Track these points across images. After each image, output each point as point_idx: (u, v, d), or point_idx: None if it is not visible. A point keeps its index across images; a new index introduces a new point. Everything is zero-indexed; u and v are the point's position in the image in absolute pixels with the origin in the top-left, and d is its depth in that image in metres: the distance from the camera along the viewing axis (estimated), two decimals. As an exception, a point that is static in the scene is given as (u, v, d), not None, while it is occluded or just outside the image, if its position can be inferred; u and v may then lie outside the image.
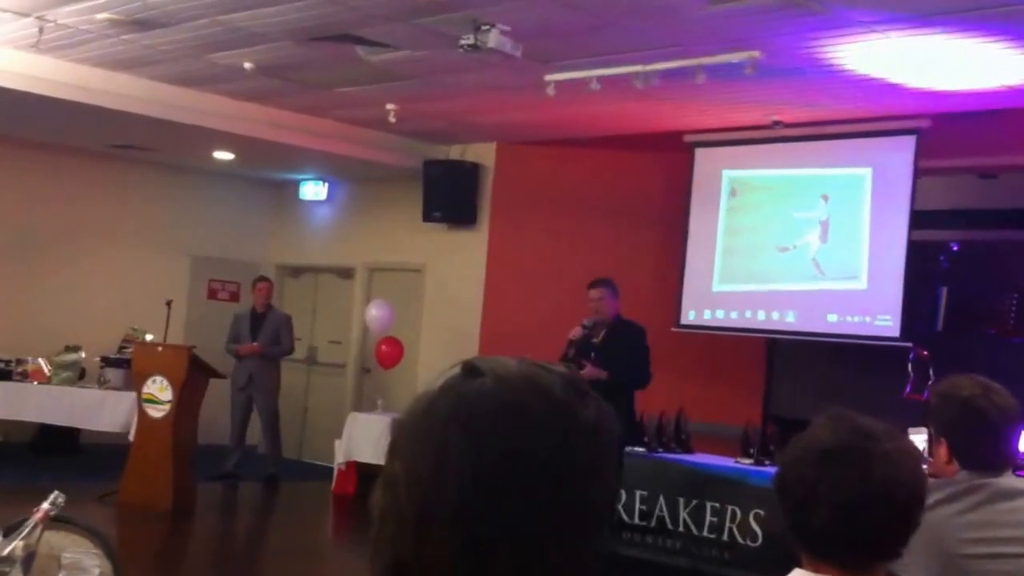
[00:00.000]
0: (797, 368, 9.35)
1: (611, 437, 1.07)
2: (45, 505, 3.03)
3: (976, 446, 2.82)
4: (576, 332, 7.68)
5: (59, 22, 7.71)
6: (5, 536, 3.07)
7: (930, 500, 2.05)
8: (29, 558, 2.97)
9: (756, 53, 7.20)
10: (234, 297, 12.87)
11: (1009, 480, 2.84)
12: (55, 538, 3.25)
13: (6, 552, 2.92)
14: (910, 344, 7.96)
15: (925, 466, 2.12)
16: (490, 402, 1.03)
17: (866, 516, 1.85)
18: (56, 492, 3.10)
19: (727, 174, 9.40)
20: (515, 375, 1.06)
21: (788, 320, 9.00)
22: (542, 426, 1.02)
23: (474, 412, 1.02)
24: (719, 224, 9.40)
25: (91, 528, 3.57)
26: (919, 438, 3.22)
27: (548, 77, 8.05)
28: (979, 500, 2.77)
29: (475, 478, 1.00)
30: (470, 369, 1.07)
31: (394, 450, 1.07)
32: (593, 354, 7.57)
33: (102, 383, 10.54)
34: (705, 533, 7.86)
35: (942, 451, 2.87)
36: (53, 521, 3.07)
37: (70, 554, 3.12)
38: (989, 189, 9.00)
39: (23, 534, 2.97)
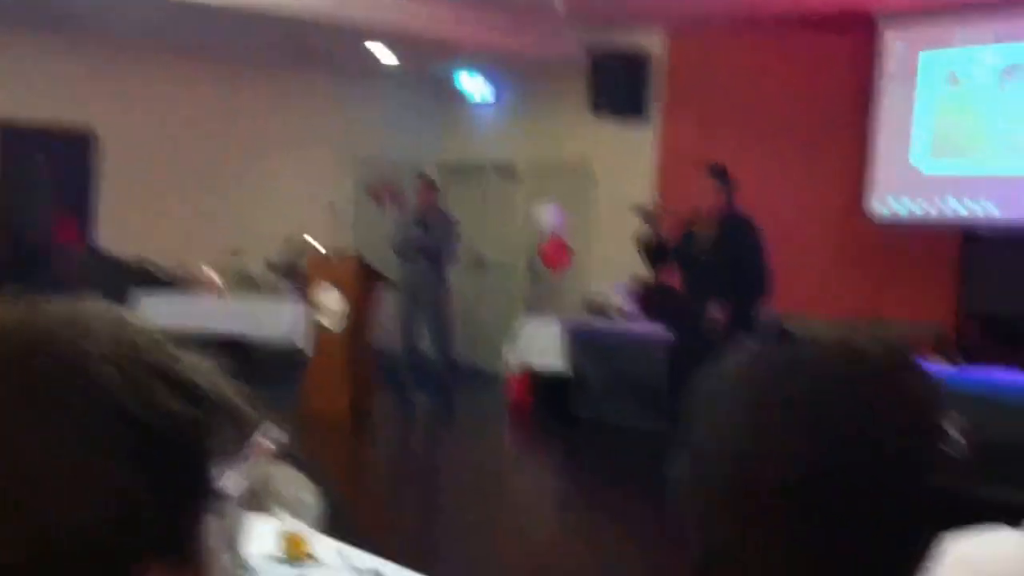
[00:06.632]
0: (998, 261, 8.72)
1: (939, 408, 1.01)
2: (263, 440, 2.85)
3: None
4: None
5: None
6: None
7: None
8: (248, 495, 2.81)
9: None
10: (397, 199, 12.70)
11: None
12: (271, 471, 3.09)
13: (224, 488, 2.75)
14: None
15: None
16: (810, 372, 0.98)
17: None
18: (271, 424, 2.90)
19: (921, 56, 8.74)
20: (832, 341, 1.01)
21: (988, 210, 8.38)
22: (868, 397, 0.97)
23: (794, 384, 0.97)
24: (911, 111, 8.78)
25: (306, 461, 3.41)
26: None
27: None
28: None
29: (800, 454, 0.94)
30: (780, 334, 1.03)
31: (699, 419, 1.02)
32: (701, 254, 6.99)
33: (272, 292, 10.53)
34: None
35: None
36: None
37: (288, 490, 2.96)
38: None
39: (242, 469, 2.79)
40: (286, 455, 3.31)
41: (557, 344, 9.57)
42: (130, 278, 9.21)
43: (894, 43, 8.86)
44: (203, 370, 0.82)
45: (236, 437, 0.84)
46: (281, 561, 2.83)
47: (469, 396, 10.62)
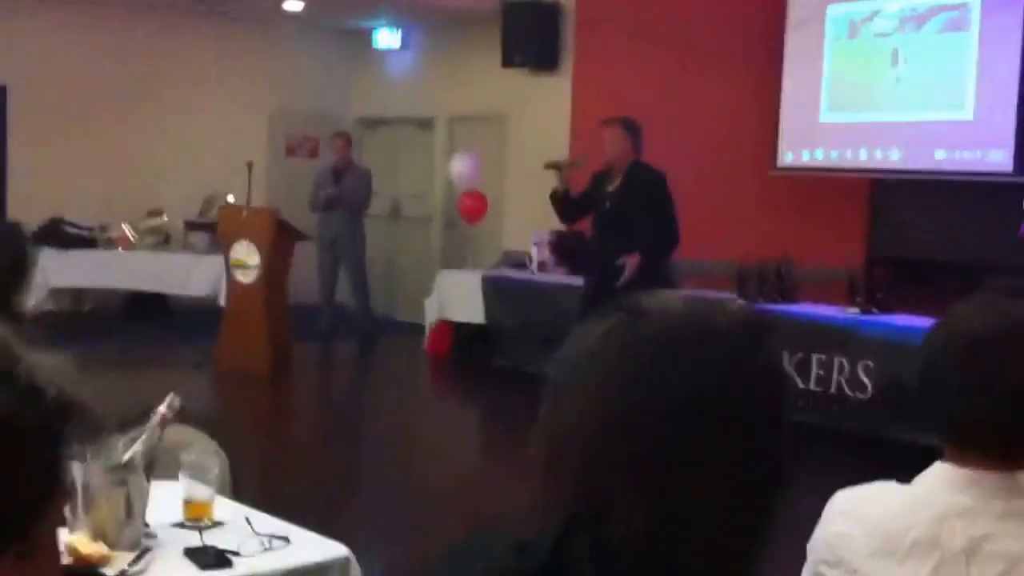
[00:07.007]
0: (903, 208, 8.92)
1: (783, 375, 1.04)
2: (162, 409, 2.86)
3: None
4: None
5: None
6: (122, 431, 2.92)
7: None
8: (150, 464, 2.83)
9: None
10: (313, 153, 12.60)
11: None
12: (173, 434, 3.10)
13: (126, 459, 2.77)
14: (1024, 180, 7.50)
15: None
16: (650, 350, 0.99)
17: (1020, 407, 1.68)
18: (172, 394, 2.92)
19: (828, 8, 8.84)
20: (681, 317, 1.02)
21: (892, 158, 8.55)
22: (708, 373, 0.98)
23: (636, 363, 0.99)
24: (819, 60, 8.88)
25: (207, 420, 3.44)
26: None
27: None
28: None
29: (638, 433, 0.97)
30: (634, 311, 1.03)
31: (555, 394, 1.04)
32: (608, 203, 7.08)
33: (188, 247, 10.43)
34: (812, 387, 7.55)
35: None
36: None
37: (189, 453, 2.98)
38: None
39: (142, 439, 2.82)
40: (193, 419, 3.34)
41: (474, 295, 9.62)
42: (38, 240, 9.06)
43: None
44: (47, 370, 0.84)
45: (82, 433, 0.86)
46: (185, 527, 2.85)
47: (388, 347, 10.65)
